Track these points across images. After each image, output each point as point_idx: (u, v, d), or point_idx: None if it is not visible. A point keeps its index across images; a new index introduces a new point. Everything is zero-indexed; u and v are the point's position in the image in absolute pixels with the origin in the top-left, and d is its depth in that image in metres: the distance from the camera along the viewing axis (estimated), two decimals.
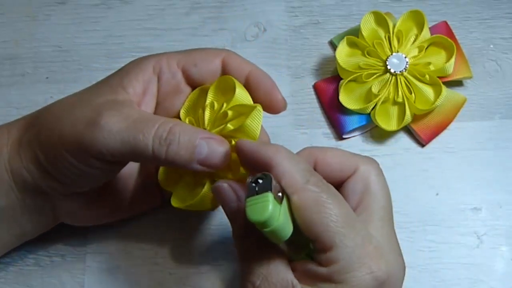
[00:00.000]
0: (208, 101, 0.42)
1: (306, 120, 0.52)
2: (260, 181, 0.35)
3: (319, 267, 0.36)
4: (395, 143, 0.51)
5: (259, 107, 0.40)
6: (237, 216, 0.38)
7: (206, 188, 0.41)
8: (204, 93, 0.43)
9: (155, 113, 0.44)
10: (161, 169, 0.45)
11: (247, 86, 0.43)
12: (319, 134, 0.52)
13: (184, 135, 0.39)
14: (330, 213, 0.36)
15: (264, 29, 0.55)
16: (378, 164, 0.41)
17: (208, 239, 0.49)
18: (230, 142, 0.40)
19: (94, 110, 0.40)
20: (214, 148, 0.39)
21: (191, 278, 0.48)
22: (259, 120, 0.40)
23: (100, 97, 0.41)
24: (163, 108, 0.44)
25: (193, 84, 0.44)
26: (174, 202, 0.42)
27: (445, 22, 0.53)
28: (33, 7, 0.57)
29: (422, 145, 0.51)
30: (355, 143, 0.51)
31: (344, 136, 0.51)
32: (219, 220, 0.49)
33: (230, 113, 0.41)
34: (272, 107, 0.42)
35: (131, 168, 0.46)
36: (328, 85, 0.52)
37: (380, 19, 0.52)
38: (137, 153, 0.39)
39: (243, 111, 0.41)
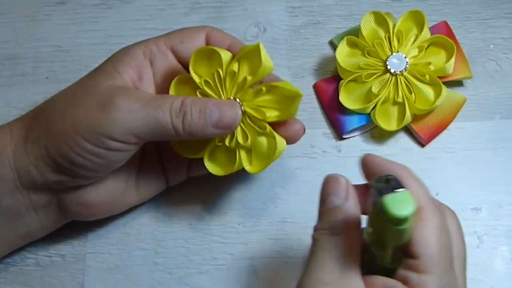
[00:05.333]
0: (229, 70, 0.44)
1: (306, 120, 0.52)
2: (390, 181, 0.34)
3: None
4: (395, 143, 0.51)
5: (300, 94, 0.43)
6: (332, 213, 0.36)
7: (239, 156, 0.44)
8: (214, 59, 0.44)
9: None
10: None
11: None
12: (319, 134, 0.52)
13: (195, 104, 0.41)
14: (445, 243, 0.35)
15: (264, 29, 0.55)
16: (456, 215, 0.39)
17: (208, 239, 0.49)
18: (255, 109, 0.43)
19: (105, 94, 0.41)
20: (225, 111, 0.42)
21: (191, 278, 0.48)
22: (297, 106, 0.43)
23: (101, 84, 0.42)
24: (162, 90, 0.45)
25: (182, 61, 0.45)
26: (215, 171, 0.45)
27: (445, 22, 0.53)
28: (33, 7, 0.57)
29: (422, 145, 0.51)
30: (355, 143, 0.51)
31: (344, 136, 0.51)
32: (219, 220, 0.49)
33: (264, 89, 0.43)
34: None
35: (133, 154, 0.46)
36: (328, 85, 0.52)
37: (380, 19, 0.52)
38: (159, 129, 0.41)
39: (277, 92, 0.43)
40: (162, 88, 0.45)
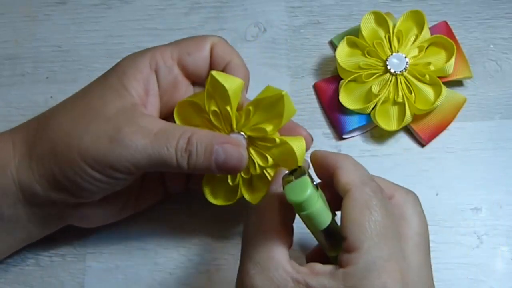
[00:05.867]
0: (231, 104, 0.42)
1: (306, 120, 0.52)
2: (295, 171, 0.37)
3: (336, 269, 0.36)
4: (395, 143, 0.51)
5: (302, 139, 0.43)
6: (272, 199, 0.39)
7: (241, 189, 0.44)
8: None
9: None
10: None
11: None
12: (319, 134, 0.52)
13: (201, 144, 0.41)
14: (371, 218, 0.36)
15: (264, 29, 0.55)
16: (415, 196, 0.40)
17: (208, 239, 0.49)
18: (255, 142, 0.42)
19: (112, 124, 0.41)
20: (231, 153, 0.41)
21: (191, 278, 0.48)
22: (290, 105, 0.41)
23: (109, 106, 0.41)
24: (163, 102, 0.44)
25: (188, 73, 0.45)
26: (215, 201, 0.46)
27: (445, 22, 0.53)
28: (33, 7, 0.57)
29: (422, 145, 0.51)
30: (355, 143, 0.51)
31: (344, 136, 0.51)
32: (219, 220, 0.49)
33: (251, 108, 0.42)
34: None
35: None
36: (328, 85, 0.52)
37: (380, 19, 0.52)
38: (164, 165, 0.41)
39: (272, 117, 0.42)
40: (163, 100, 0.44)
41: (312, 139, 0.45)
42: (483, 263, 0.47)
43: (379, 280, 0.34)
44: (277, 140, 0.42)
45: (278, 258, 0.36)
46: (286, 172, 0.38)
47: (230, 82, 0.41)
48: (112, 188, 0.43)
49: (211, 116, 0.42)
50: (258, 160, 0.43)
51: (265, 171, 0.43)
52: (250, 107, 0.41)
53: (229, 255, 0.48)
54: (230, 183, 0.44)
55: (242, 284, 0.37)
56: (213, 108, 0.42)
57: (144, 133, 0.40)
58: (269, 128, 0.41)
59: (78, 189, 0.42)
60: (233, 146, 0.41)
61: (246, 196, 0.45)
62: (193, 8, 0.56)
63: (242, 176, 0.44)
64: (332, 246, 0.38)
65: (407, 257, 0.36)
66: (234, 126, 0.42)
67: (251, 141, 0.43)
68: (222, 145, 0.41)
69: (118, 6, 0.57)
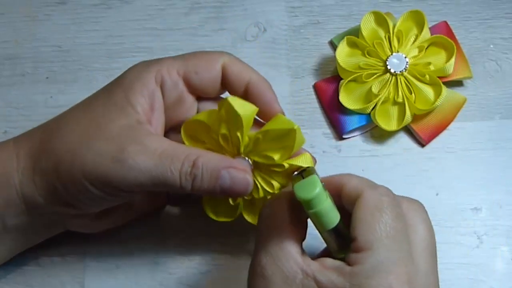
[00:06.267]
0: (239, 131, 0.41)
1: (306, 120, 0.52)
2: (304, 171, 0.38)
3: (344, 265, 0.36)
4: (395, 143, 0.51)
5: (308, 157, 0.42)
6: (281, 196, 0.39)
7: (241, 206, 0.44)
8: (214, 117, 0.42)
9: None
10: None
11: (246, 94, 0.43)
12: (319, 134, 0.52)
13: (206, 169, 0.40)
14: (382, 220, 0.36)
15: (264, 29, 0.55)
16: (420, 204, 0.40)
17: (208, 239, 0.49)
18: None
19: (115, 144, 0.40)
20: (236, 178, 0.40)
21: (191, 278, 0.48)
22: (300, 138, 0.41)
23: (113, 123, 0.41)
24: (167, 117, 0.44)
25: (194, 91, 0.44)
26: (216, 218, 0.46)
27: (445, 22, 0.53)
28: (33, 7, 0.57)
29: (422, 145, 0.51)
30: (355, 143, 0.51)
31: (344, 136, 0.51)
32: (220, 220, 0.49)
33: (260, 137, 0.41)
34: (269, 119, 0.42)
35: None
36: (328, 85, 0.52)
37: (380, 19, 0.52)
38: (167, 187, 0.40)
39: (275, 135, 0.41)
40: (166, 115, 0.44)
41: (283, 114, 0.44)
42: (483, 263, 0.48)
43: (385, 280, 0.35)
44: (286, 165, 0.41)
45: (289, 250, 0.37)
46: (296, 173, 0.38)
47: (245, 109, 0.40)
48: (114, 203, 0.43)
49: (220, 138, 0.41)
50: (264, 185, 0.42)
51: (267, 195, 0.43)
52: (260, 136, 0.41)
53: (229, 255, 0.48)
54: (232, 203, 0.44)
55: (254, 272, 0.38)
56: (223, 131, 0.41)
57: (148, 154, 0.40)
58: (276, 156, 0.41)
59: (80, 204, 0.42)
60: (240, 171, 0.40)
61: (247, 217, 0.45)
62: (193, 8, 0.56)
63: (243, 198, 0.44)
64: (340, 248, 0.38)
65: (415, 261, 0.36)
66: (242, 150, 0.41)
67: (256, 166, 0.42)
68: (228, 169, 0.40)
69: (118, 6, 0.57)
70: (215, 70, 0.43)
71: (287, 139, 0.40)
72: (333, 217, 0.37)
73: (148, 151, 0.40)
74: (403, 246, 0.36)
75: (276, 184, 0.42)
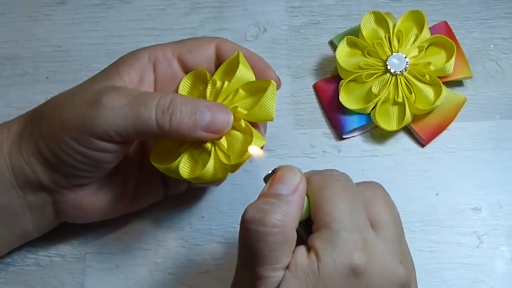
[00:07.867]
0: (211, 79, 0.43)
1: (306, 120, 0.52)
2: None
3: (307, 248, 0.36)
4: (395, 143, 0.51)
5: (273, 83, 0.41)
6: (271, 199, 0.38)
7: (212, 160, 0.41)
8: (199, 76, 0.44)
9: None
10: (154, 148, 0.44)
11: None
12: (319, 134, 0.52)
13: (186, 104, 0.40)
14: (327, 196, 0.36)
15: (264, 29, 0.55)
16: (379, 184, 0.39)
17: (208, 239, 0.49)
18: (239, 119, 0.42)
19: (94, 93, 0.41)
20: (217, 114, 0.40)
21: (191, 278, 0.48)
22: (273, 98, 0.41)
23: (97, 84, 0.42)
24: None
25: (187, 70, 0.45)
26: (183, 173, 0.42)
27: (445, 22, 0.53)
28: (33, 7, 0.57)
29: (422, 145, 0.51)
30: (355, 143, 0.51)
31: (344, 136, 0.51)
32: (220, 220, 0.49)
33: (241, 91, 0.42)
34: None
35: (132, 161, 0.46)
36: (328, 85, 0.52)
37: (380, 19, 0.52)
38: (141, 126, 0.39)
39: (251, 89, 0.42)
40: None
41: (280, 83, 0.45)
42: (483, 263, 0.48)
43: (344, 249, 0.35)
44: (243, 124, 0.41)
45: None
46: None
47: (246, 68, 0.42)
48: (98, 164, 0.42)
49: (209, 84, 0.43)
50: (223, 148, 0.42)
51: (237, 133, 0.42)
52: (240, 89, 0.42)
53: (229, 255, 0.48)
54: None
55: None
56: (216, 78, 0.43)
57: (123, 95, 0.40)
58: (243, 109, 0.42)
59: (64, 165, 0.41)
60: (220, 106, 0.41)
61: (223, 159, 0.42)
62: (193, 8, 0.56)
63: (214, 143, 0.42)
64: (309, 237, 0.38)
65: (377, 231, 0.37)
66: (221, 100, 0.42)
67: None
68: (207, 107, 0.40)
69: (118, 6, 0.57)
70: (209, 50, 0.45)
71: (261, 95, 0.41)
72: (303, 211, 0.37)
73: (124, 93, 0.40)
74: (355, 215, 0.36)
75: (242, 111, 0.42)
